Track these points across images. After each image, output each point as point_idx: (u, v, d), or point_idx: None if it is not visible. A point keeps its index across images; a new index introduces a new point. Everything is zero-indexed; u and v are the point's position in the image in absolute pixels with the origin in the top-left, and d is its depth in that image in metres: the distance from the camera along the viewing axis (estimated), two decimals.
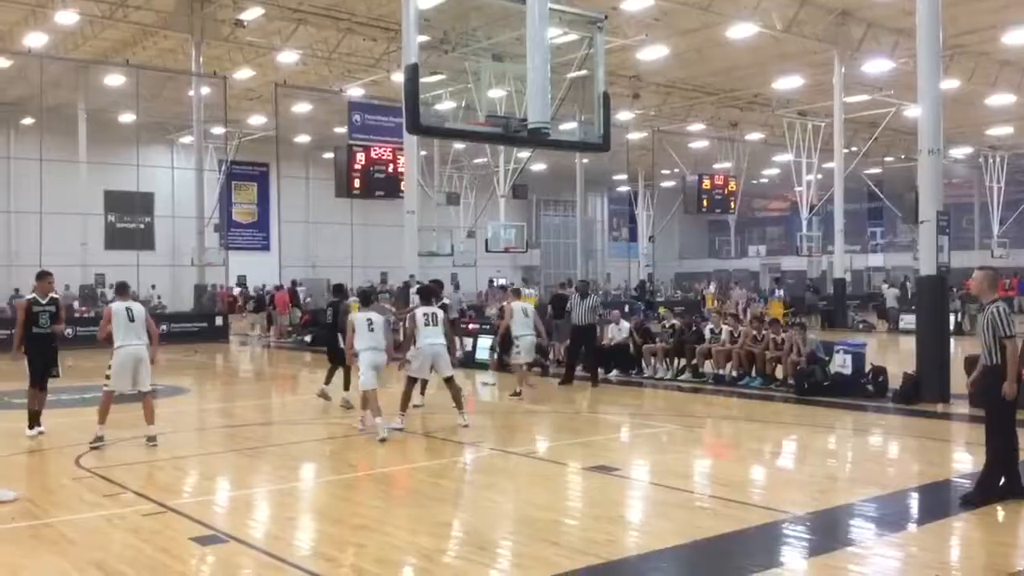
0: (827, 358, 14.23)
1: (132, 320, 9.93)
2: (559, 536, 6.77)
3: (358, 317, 10.98)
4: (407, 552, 6.49)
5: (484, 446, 10.62)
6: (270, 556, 6.33)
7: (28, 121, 34.37)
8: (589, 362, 16.11)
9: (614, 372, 16.84)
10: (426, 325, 11.02)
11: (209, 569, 6.11)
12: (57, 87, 31.04)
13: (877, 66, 28.94)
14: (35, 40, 26.79)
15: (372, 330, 10.73)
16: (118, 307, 10.05)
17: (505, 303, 15.28)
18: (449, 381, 11.37)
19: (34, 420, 10.72)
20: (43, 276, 11.03)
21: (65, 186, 31.59)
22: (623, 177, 50.09)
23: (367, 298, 12.26)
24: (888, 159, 46.80)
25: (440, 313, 11.45)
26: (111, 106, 34.10)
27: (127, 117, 34.58)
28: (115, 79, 30.89)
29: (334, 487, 8.78)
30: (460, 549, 6.59)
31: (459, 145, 36.35)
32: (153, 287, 34.24)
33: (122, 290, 10.56)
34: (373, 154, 26.57)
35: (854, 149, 36.29)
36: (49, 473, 9.05)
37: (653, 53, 28.09)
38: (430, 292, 12.26)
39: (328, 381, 13.55)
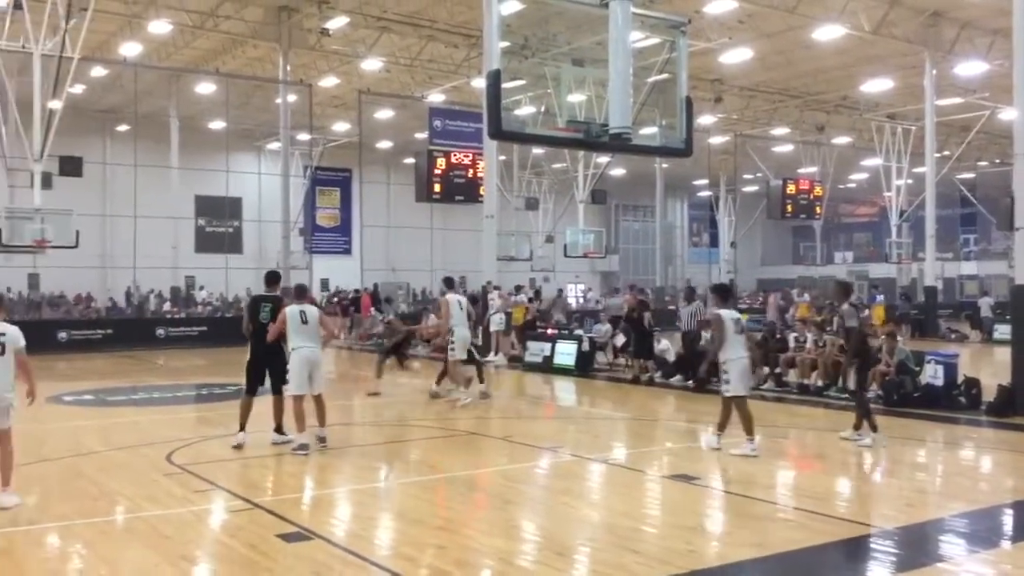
0: (918, 368, 13.81)
1: (305, 323, 9.93)
2: (638, 544, 6.72)
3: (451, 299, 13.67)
4: (485, 555, 6.52)
5: (563, 451, 10.62)
6: (352, 554, 6.43)
7: (123, 128, 35.68)
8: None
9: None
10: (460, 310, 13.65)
11: (295, 565, 6.24)
12: (150, 95, 32.20)
13: (971, 68, 28.04)
14: (130, 50, 27.80)
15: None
16: (292, 310, 10.00)
17: (440, 297, 14.67)
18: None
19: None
20: None
21: (157, 191, 32.70)
22: (704, 182, 49.50)
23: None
24: (982, 163, 45.24)
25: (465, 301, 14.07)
26: (202, 113, 35.19)
27: (217, 124, 35.63)
28: (206, 87, 31.88)
29: (414, 488, 8.88)
30: (538, 554, 6.59)
31: (538, 150, 36.43)
32: (248, 290, 35.17)
33: (300, 293, 10.55)
34: (453, 159, 26.84)
35: (946, 153, 35.20)
36: (142, 469, 9.35)
37: (736, 56, 27.73)
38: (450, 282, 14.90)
39: (439, 381, 14.39)
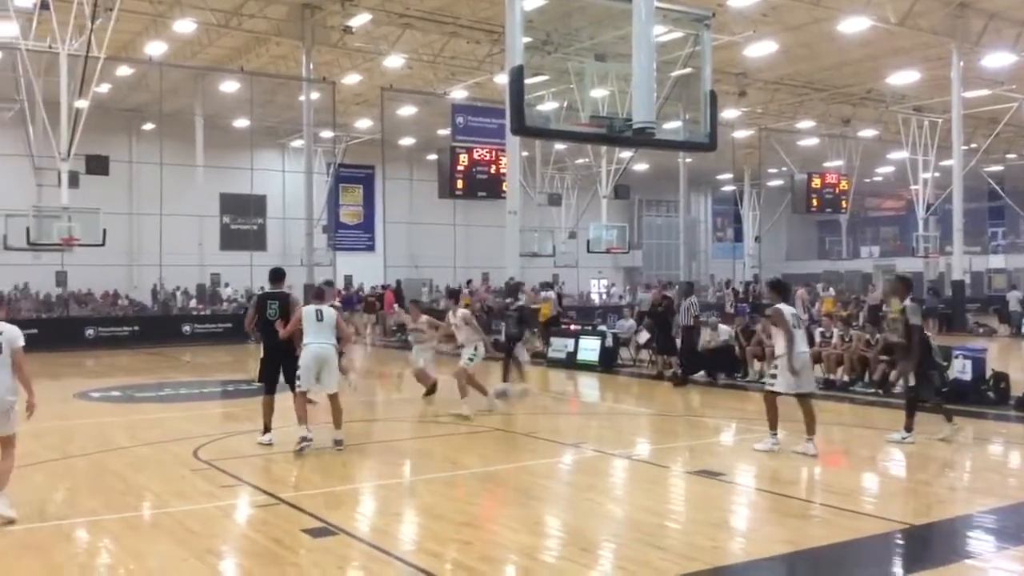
0: (945, 363, 13.65)
1: (320, 320, 9.97)
2: (663, 540, 6.70)
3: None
4: (510, 550, 6.53)
5: (586, 447, 10.60)
6: (377, 549, 6.46)
7: (148, 126, 35.95)
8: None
9: (719, 375, 16.57)
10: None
11: (320, 560, 6.27)
12: (176, 94, 32.43)
13: (998, 59, 27.66)
14: (155, 49, 27.98)
15: None
16: (308, 309, 10.07)
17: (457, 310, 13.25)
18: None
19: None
20: None
21: (183, 189, 32.94)
22: (728, 176, 49.21)
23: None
24: (1010, 156, 44.66)
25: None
26: (226, 111, 35.39)
27: (241, 122, 35.83)
28: (230, 85, 32.06)
29: (437, 484, 8.90)
30: (563, 550, 6.59)
31: (561, 146, 36.34)
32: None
33: (318, 295, 10.57)
34: (476, 155, 26.85)
35: (973, 146, 34.79)
36: (169, 465, 9.44)
37: (760, 49, 27.53)
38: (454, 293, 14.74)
39: (505, 378, 14.32)
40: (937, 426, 10.59)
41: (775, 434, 9.84)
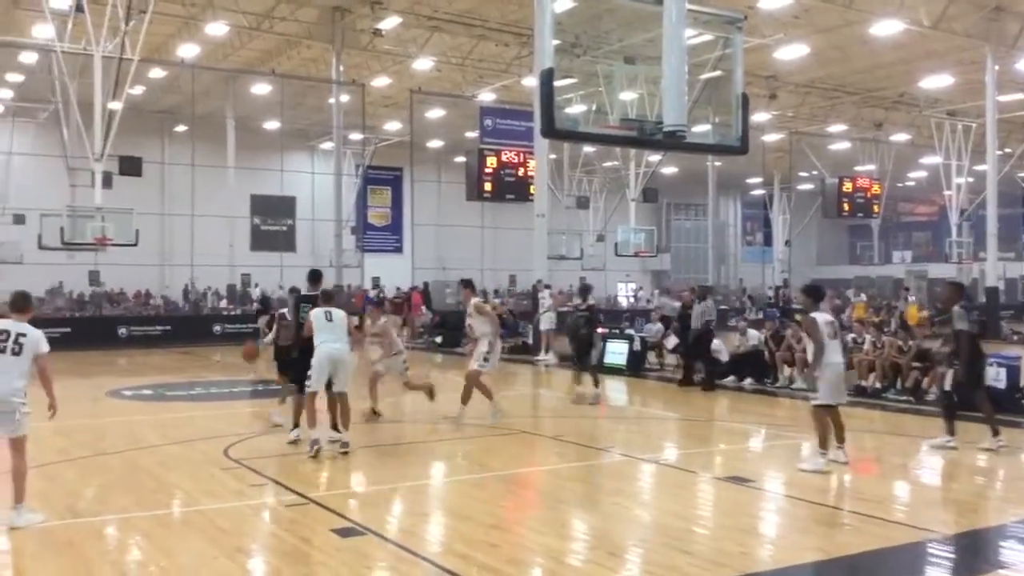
0: None
1: (330, 320, 10.02)
2: (690, 545, 6.66)
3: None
4: (537, 553, 6.52)
5: (614, 451, 10.57)
6: (405, 550, 6.48)
7: (180, 128, 36.33)
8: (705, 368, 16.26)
9: (748, 380, 16.46)
10: None
11: (348, 560, 6.30)
12: (207, 96, 32.77)
13: None
14: (187, 51, 28.29)
15: None
16: (316, 312, 10.08)
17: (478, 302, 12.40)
18: None
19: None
20: None
21: (214, 190, 33.30)
22: (758, 180, 48.91)
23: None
24: None
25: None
26: (257, 113, 35.69)
27: (272, 124, 36.13)
28: (261, 88, 32.33)
29: (465, 486, 8.91)
30: (590, 553, 6.57)
31: (589, 149, 36.31)
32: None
33: (326, 298, 10.53)
34: (504, 158, 26.89)
35: (1008, 151, 34.34)
36: (199, 463, 9.51)
37: (792, 52, 27.35)
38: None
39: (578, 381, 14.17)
40: (981, 435, 10.43)
41: (824, 452, 9.12)
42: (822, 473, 8.97)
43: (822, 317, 9.36)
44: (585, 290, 16.05)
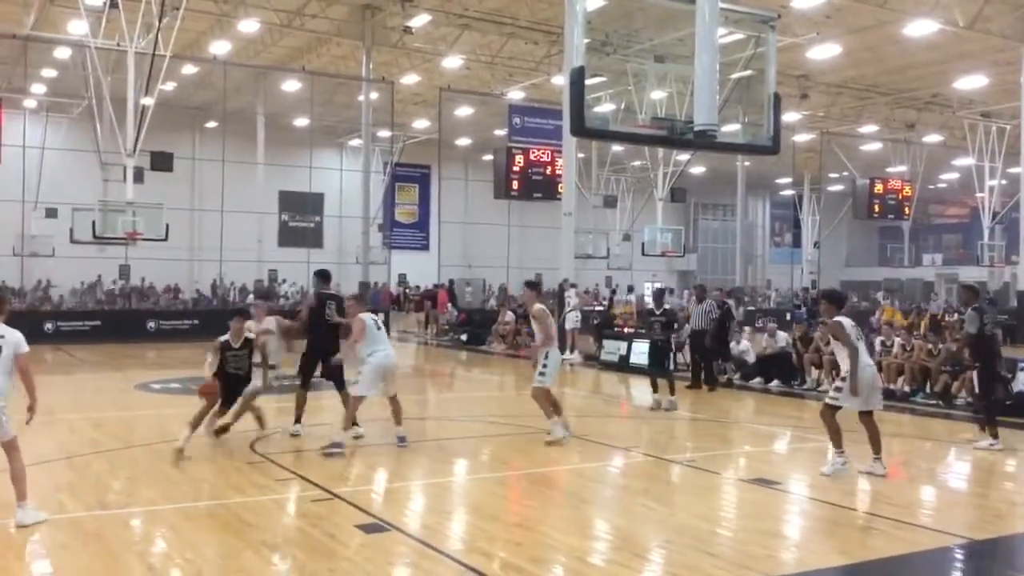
0: (1010, 376, 13.30)
1: (379, 329, 10.14)
2: (715, 547, 6.63)
3: None
4: (561, 552, 6.51)
5: (637, 451, 10.53)
6: (429, 547, 6.49)
7: (211, 124, 36.63)
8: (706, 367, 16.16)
9: (775, 382, 16.35)
10: None
11: (373, 556, 6.32)
12: (238, 92, 32.98)
13: None
14: (219, 48, 28.50)
15: None
16: (367, 320, 10.04)
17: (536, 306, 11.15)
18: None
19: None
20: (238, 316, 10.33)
21: (244, 186, 33.52)
22: (787, 180, 48.52)
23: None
24: None
25: None
26: (287, 110, 35.89)
27: (301, 121, 36.32)
28: (291, 85, 32.51)
29: (489, 484, 8.91)
30: (614, 554, 6.55)
31: (617, 148, 36.20)
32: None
33: (361, 299, 10.64)
34: (532, 156, 26.90)
35: None
36: (225, 457, 9.59)
37: (824, 52, 27.10)
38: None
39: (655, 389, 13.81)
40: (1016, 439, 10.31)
41: (841, 451, 8.96)
42: (842, 474, 8.86)
43: (848, 321, 9.17)
44: (660, 295, 15.29)
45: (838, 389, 9.06)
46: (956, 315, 25.92)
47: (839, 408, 9.02)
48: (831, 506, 7.96)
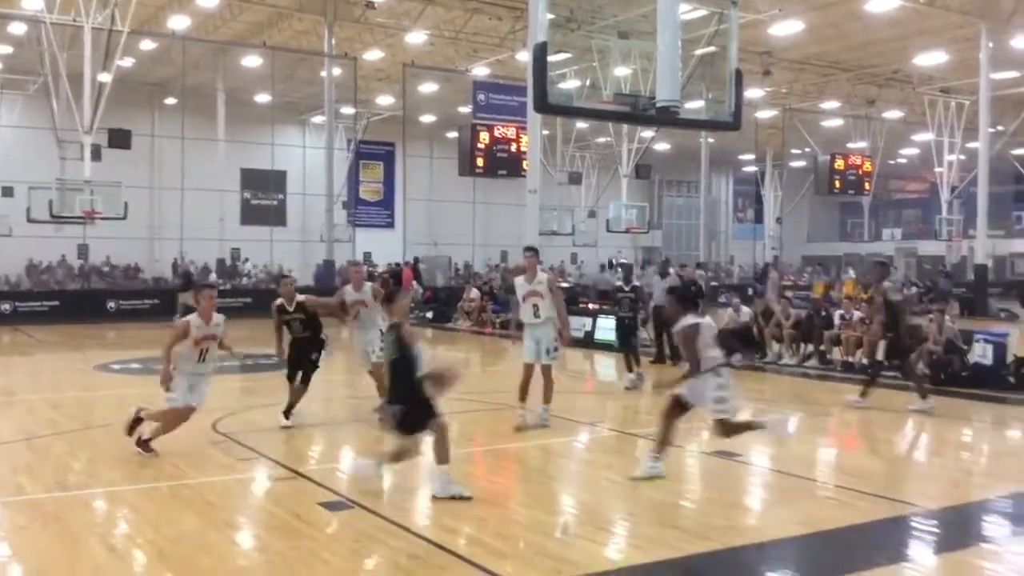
0: (966, 347, 13.56)
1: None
2: (678, 519, 6.71)
3: None
4: (525, 527, 6.55)
5: (603, 426, 10.61)
6: (393, 524, 6.50)
7: (171, 101, 36.01)
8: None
9: (736, 356, 16.47)
10: None
11: (337, 533, 6.32)
12: (198, 68, 32.44)
13: None
14: (178, 23, 27.99)
15: None
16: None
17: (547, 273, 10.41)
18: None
19: (288, 411, 10.15)
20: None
21: (204, 163, 33.05)
22: (750, 157, 48.81)
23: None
24: None
25: None
26: (248, 87, 35.40)
27: (263, 97, 35.85)
28: (252, 60, 32.03)
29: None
30: (578, 528, 6.61)
31: (582, 124, 36.17)
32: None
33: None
34: (496, 133, 26.80)
35: (1000, 128, 34.32)
36: (187, 437, 9.49)
37: (786, 28, 27.19)
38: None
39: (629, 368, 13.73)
40: (961, 410, 10.51)
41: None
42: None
43: (705, 321, 8.12)
44: (628, 271, 14.90)
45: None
46: (914, 288, 26.37)
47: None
48: (790, 477, 8.09)
